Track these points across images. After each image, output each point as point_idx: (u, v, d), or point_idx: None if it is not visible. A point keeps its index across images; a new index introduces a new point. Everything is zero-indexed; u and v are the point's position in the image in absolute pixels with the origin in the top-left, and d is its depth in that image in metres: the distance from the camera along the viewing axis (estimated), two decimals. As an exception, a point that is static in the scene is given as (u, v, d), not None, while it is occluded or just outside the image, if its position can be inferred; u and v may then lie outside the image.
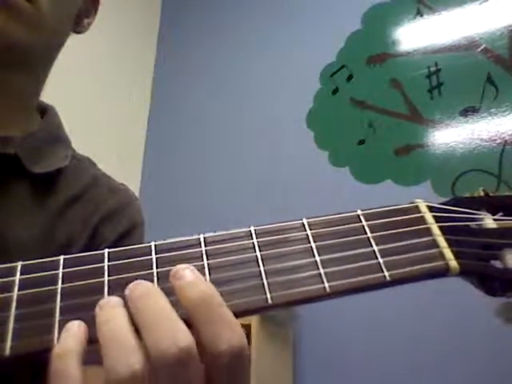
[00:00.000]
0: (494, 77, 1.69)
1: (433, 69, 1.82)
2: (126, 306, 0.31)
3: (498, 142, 1.62)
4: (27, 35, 0.52)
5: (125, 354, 0.29)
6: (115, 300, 0.32)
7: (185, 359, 0.29)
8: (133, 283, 0.32)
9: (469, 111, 1.71)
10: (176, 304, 0.31)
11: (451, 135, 1.71)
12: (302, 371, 1.65)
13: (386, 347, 1.54)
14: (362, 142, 1.85)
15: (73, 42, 0.64)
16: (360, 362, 1.57)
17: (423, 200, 0.37)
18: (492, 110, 1.67)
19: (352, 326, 1.61)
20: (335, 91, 1.98)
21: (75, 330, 0.31)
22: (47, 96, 0.65)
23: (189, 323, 0.30)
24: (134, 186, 2.17)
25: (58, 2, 0.55)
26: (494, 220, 0.36)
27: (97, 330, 0.30)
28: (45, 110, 0.64)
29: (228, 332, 0.30)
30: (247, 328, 1.39)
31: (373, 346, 1.57)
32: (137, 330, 0.30)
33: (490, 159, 1.61)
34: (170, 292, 0.32)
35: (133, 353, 0.29)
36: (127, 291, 0.32)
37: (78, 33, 0.64)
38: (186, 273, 0.32)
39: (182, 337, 0.29)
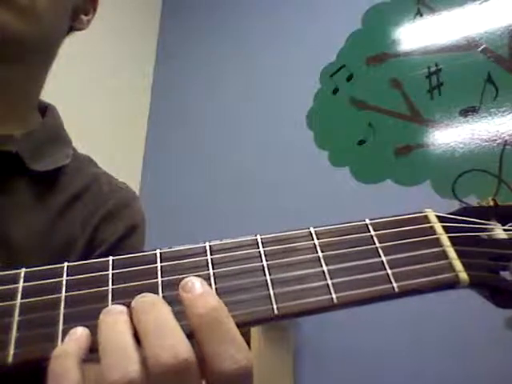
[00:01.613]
0: (493, 77, 1.69)
1: (433, 69, 1.81)
2: (130, 316, 0.31)
3: (498, 142, 1.62)
4: (23, 27, 0.52)
5: (123, 360, 0.28)
6: (119, 308, 0.31)
7: (183, 372, 0.28)
8: (138, 296, 0.32)
9: (469, 111, 1.70)
10: (180, 314, 0.30)
11: (451, 135, 1.70)
12: (302, 376, 1.64)
13: (387, 352, 1.54)
14: (361, 142, 1.85)
15: (73, 41, 0.64)
16: (361, 367, 1.57)
17: (432, 209, 0.37)
18: (492, 110, 1.67)
19: (353, 331, 1.60)
20: (335, 91, 1.98)
21: (78, 334, 0.31)
22: (47, 95, 0.65)
23: (192, 336, 0.30)
24: (134, 186, 2.16)
25: None
26: (504, 230, 0.36)
27: (98, 335, 0.30)
28: (45, 109, 0.64)
29: (233, 349, 0.29)
30: (247, 332, 1.38)
31: (374, 350, 1.56)
32: (138, 340, 0.30)
33: (489, 159, 1.61)
34: (174, 301, 0.31)
35: (131, 360, 0.28)
36: (133, 303, 0.31)
37: (77, 30, 0.64)
38: (196, 285, 0.31)
39: (182, 349, 0.29)
